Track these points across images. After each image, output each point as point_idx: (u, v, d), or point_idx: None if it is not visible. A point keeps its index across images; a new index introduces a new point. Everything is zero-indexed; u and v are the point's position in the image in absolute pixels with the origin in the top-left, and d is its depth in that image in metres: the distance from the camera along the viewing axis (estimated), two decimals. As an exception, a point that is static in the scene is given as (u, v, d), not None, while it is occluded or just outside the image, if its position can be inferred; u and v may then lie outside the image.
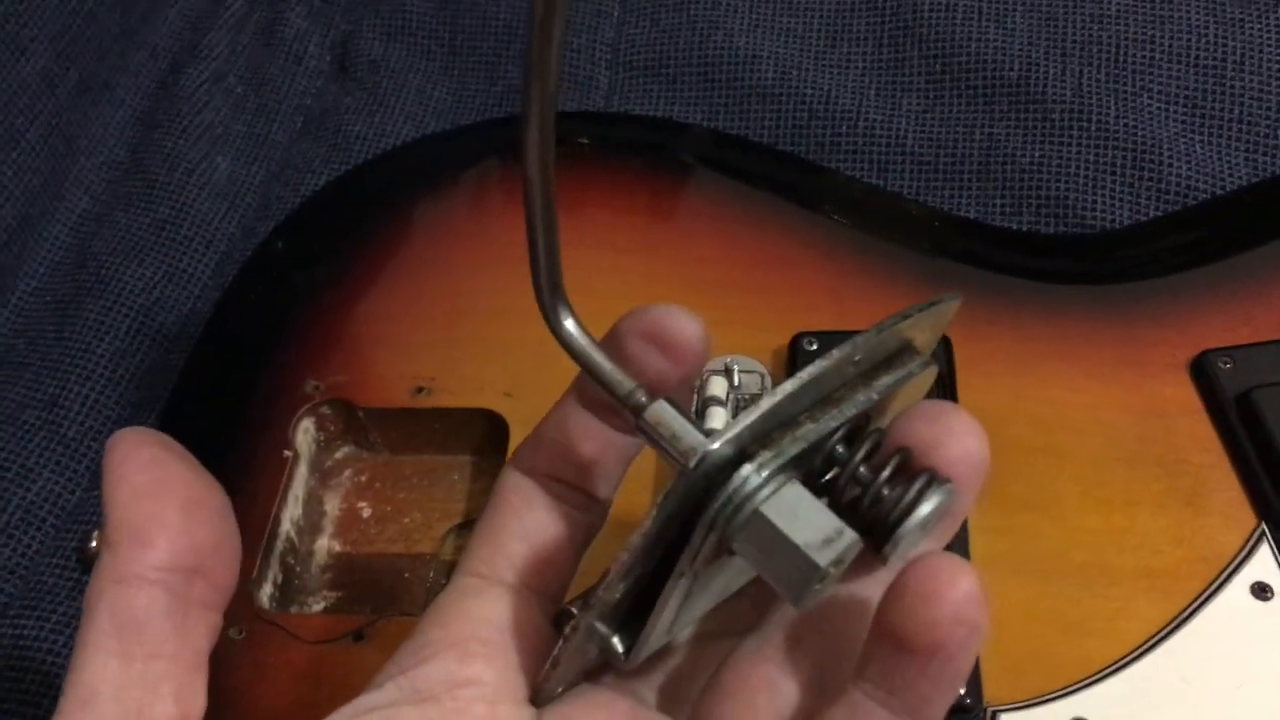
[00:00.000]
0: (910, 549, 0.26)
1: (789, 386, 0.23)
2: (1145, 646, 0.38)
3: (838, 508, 0.25)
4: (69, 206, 0.56)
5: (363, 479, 0.46)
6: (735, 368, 0.45)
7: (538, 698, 0.26)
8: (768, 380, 0.45)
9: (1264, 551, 0.40)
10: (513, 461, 0.29)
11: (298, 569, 0.43)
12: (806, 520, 0.23)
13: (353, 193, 0.55)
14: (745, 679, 0.26)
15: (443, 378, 0.46)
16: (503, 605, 0.27)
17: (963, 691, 0.36)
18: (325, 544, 0.44)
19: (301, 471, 0.45)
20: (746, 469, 0.23)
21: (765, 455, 0.24)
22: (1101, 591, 0.39)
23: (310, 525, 0.44)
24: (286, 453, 0.44)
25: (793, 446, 0.24)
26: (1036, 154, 0.55)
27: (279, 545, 0.42)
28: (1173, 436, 0.43)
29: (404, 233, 0.52)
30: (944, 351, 0.45)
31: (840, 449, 0.25)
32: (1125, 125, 0.55)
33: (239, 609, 0.40)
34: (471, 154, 0.56)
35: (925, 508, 0.24)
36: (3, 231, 0.54)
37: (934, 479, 0.25)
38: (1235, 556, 0.40)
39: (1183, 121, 0.56)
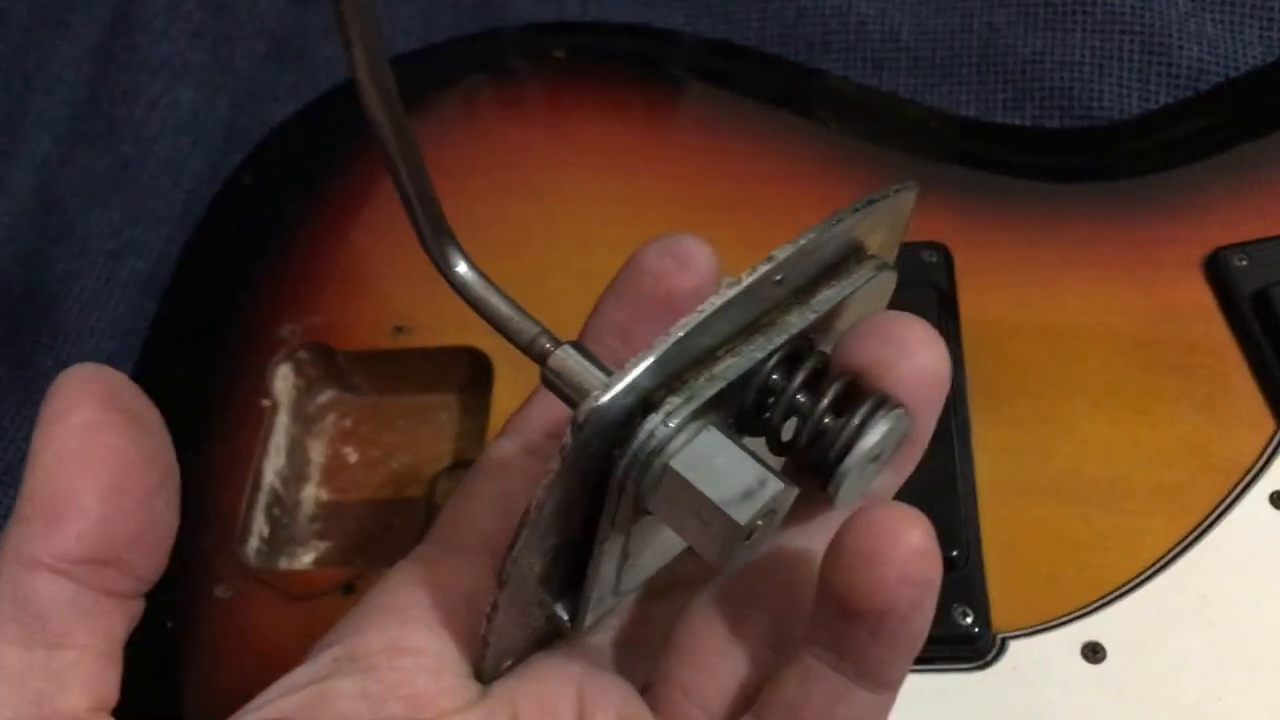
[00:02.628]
0: (863, 485, 0.23)
1: (690, 321, 0.20)
2: (1160, 563, 0.37)
3: (777, 447, 0.23)
4: (30, 149, 0.54)
5: (347, 423, 0.45)
6: (726, 290, 0.43)
7: (481, 675, 0.24)
8: (761, 301, 0.43)
9: (1283, 459, 0.38)
10: (503, 429, 0.27)
11: (285, 520, 0.42)
12: (724, 471, 0.21)
13: (322, 121, 0.52)
14: (699, 638, 0.24)
15: (423, 315, 0.44)
16: (458, 573, 0.25)
17: (969, 620, 0.35)
18: (312, 493, 0.43)
19: (282, 420, 0.43)
20: (652, 420, 0.21)
21: (674, 402, 0.21)
22: (1115, 507, 0.38)
23: (296, 474, 0.43)
24: (264, 401, 0.42)
25: (708, 388, 0.21)
26: (1039, 43, 0.53)
27: (263, 497, 0.41)
28: (1187, 340, 0.41)
29: (377, 163, 0.49)
30: (944, 263, 0.43)
31: (777, 379, 0.23)
32: (1132, 7, 0.52)
33: (225, 567, 0.39)
34: (444, 74, 0.53)
35: (869, 438, 0.22)
36: (-37, 179, 0.51)
37: (881, 403, 0.22)
38: (1254, 465, 0.38)
39: (1193, 0, 0.53)
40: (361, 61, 0.20)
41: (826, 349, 0.24)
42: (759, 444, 0.23)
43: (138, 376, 0.46)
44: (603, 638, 0.26)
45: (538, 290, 0.44)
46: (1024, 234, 0.44)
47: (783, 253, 0.21)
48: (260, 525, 0.41)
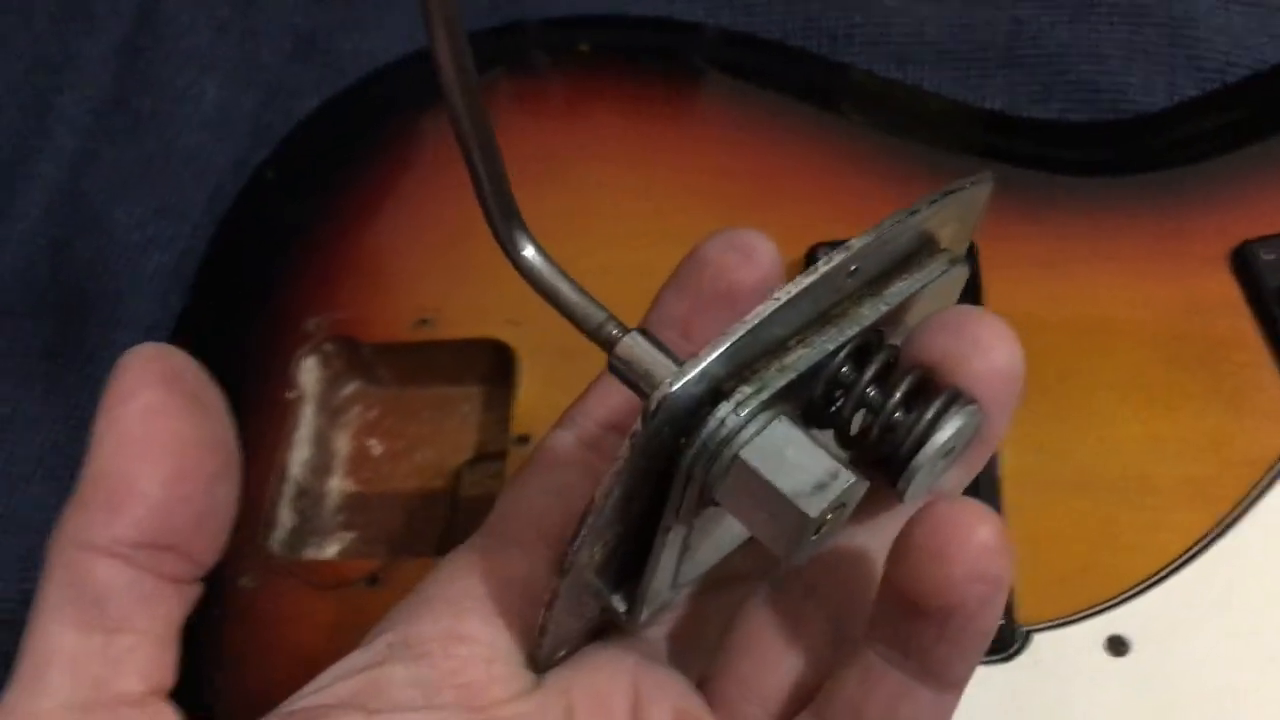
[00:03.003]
0: (931, 482, 0.23)
1: (764, 310, 0.20)
2: (1186, 557, 0.37)
3: (845, 440, 0.23)
4: (57, 144, 0.54)
5: (372, 415, 0.45)
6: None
7: (535, 664, 0.24)
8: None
9: (1311, 453, 0.38)
10: (560, 420, 0.27)
11: (310, 511, 0.42)
12: (795, 463, 0.21)
13: (345, 116, 0.52)
14: (757, 634, 0.24)
15: (445, 308, 0.44)
16: (513, 563, 0.25)
17: (995, 613, 0.35)
18: (337, 484, 0.43)
19: (308, 412, 0.43)
20: (723, 409, 0.20)
21: (745, 391, 0.21)
22: (1139, 502, 0.38)
23: (321, 466, 0.43)
24: (290, 394, 0.43)
25: (779, 378, 0.21)
26: (1065, 36, 0.52)
27: (289, 489, 0.41)
28: (1213, 334, 0.41)
29: (399, 156, 0.49)
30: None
31: (847, 371, 0.22)
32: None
33: (250, 558, 0.39)
34: (467, 67, 0.53)
35: (942, 434, 0.21)
36: (-8, 174, 0.52)
37: (955, 399, 0.22)
38: (1278, 460, 0.38)
39: (1220, -9, 0.53)
40: (441, 39, 0.20)
41: (896, 342, 0.23)
42: (826, 437, 0.23)
43: (164, 368, 0.46)
44: (657, 631, 0.26)
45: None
46: (1049, 227, 0.44)
47: (859, 242, 0.21)
48: (286, 516, 0.41)
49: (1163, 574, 0.36)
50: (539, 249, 0.24)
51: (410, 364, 0.45)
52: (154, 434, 0.21)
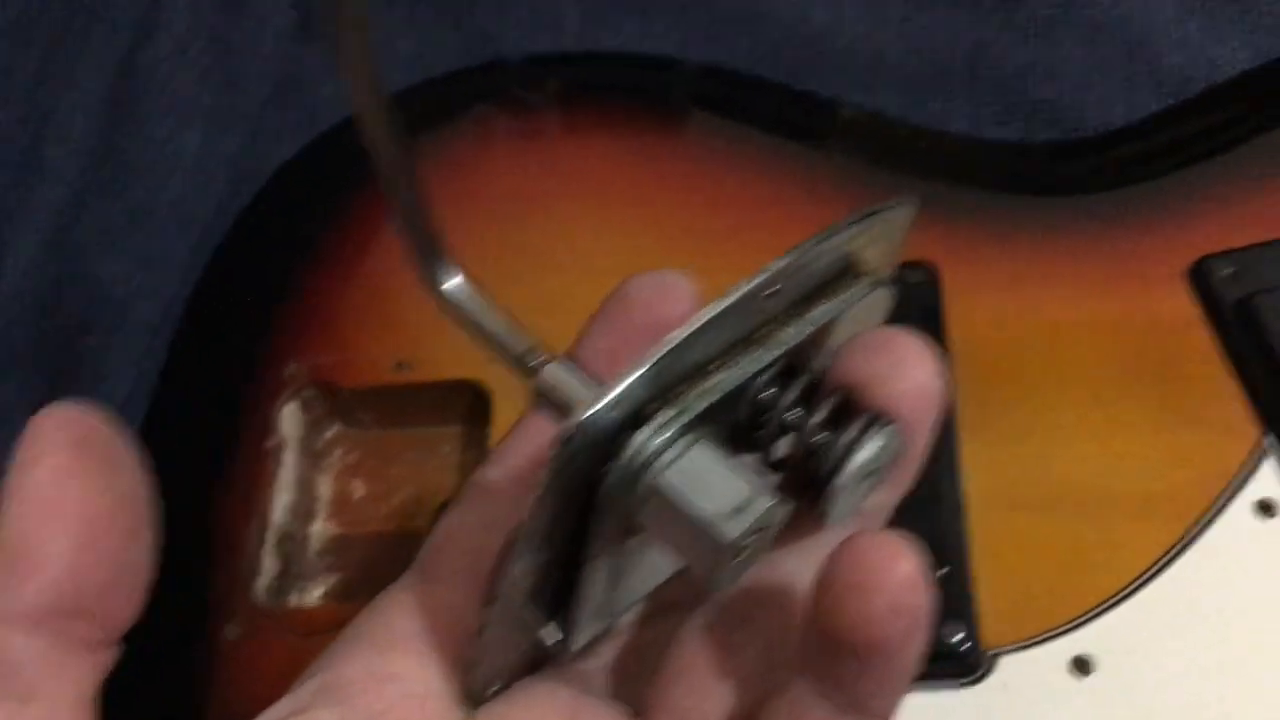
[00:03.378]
0: (856, 503, 0.23)
1: (682, 332, 0.20)
2: (1148, 574, 0.37)
3: (769, 463, 0.23)
4: (44, 197, 0.56)
5: (353, 458, 0.46)
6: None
7: (468, 699, 0.24)
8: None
9: (1267, 467, 0.39)
10: (488, 457, 0.27)
11: (294, 556, 0.43)
12: (714, 487, 0.20)
13: (322, 160, 0.53)
14: (692, 662, 0.24)
15: (423, 351, 0.45)
16: (442, 598, 0.25)
17: (961, 635, 0.36)
18: (320, 528, 0.44)
19: (290, 457, 0.44)
20: (642, 434, 0.20)
21: (666, 414, 0.20)
22: (1102, 519, 0.39)
23: (304, 510, 0.44)
24: (271, 440, 0.44)
25: (700, 401, 0.21)
26: (1025, 56, 0.53)
27: (272, 535, 0.42)
28: (1171, 351, 0.42)
29: (376, 199, 0.50)
30: (929, 280, 0.44)
31: (770, 394, 0.22)
32: (1118, 16, 0.53)
33: (236, 606, 0.40)
34: (443, 107, 0.54)
35: (861, 454, 0.21)
36: (-20, 230, 0.53)
37: (874, 420, 0.22)
38: (1238, 473, 0.39)
39: (1178, 4, 0.53)
40: (353, 68, 0.20)
41: (821, 365, 0.24)
42: (754, 461, 0.23)
43: (150, 420, 0.47)
44: (595, 663, 0.26)
45: (546, 319, 0.45)
46: (1011, 249, 0.45)
47: (777, 264, 0.21)
48: (269, 563, 0.42)
49: (1126, 591, 0.37)
50: (461, 281, 0.23)
51: (390, 407, 0.45)
52: (62, 498, 0.21)
